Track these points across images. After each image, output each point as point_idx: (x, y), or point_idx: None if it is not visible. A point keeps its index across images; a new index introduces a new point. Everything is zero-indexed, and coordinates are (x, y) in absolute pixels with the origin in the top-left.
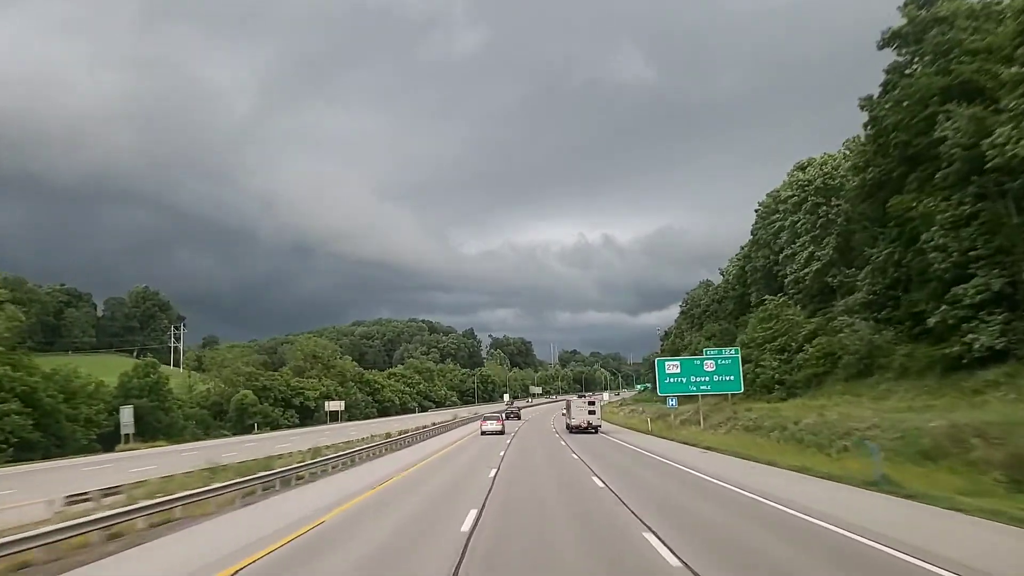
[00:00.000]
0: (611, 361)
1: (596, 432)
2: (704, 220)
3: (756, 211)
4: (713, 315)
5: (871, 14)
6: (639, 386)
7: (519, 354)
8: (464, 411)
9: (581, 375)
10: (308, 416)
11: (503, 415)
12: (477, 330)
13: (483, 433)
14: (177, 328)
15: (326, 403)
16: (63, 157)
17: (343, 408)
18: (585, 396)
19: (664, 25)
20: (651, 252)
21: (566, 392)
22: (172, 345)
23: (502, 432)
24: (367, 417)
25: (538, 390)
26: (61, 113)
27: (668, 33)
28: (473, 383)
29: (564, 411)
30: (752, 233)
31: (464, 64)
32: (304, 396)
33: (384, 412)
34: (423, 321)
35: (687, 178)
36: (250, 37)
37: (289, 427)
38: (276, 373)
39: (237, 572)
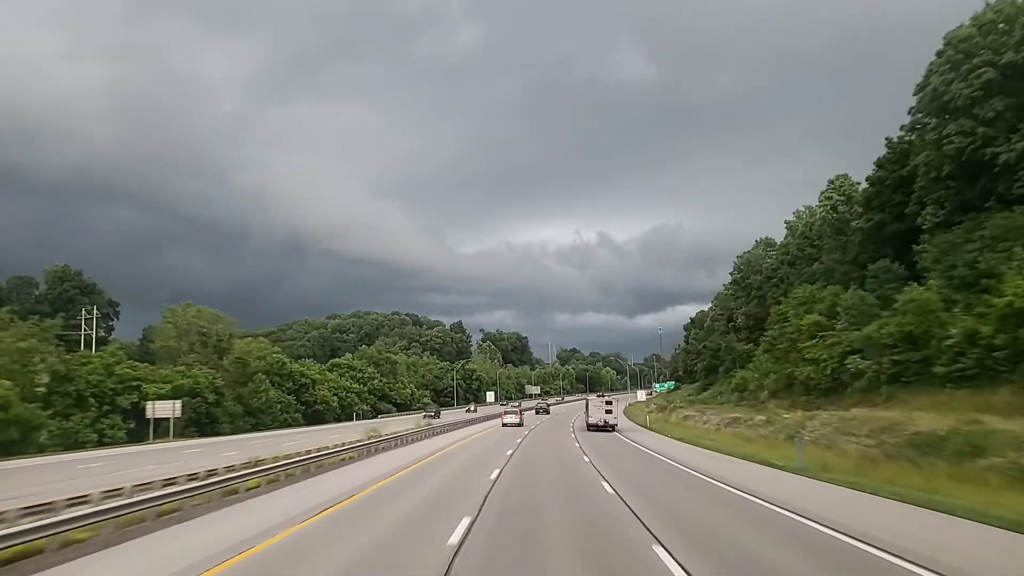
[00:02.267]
0: (614, 361)
1: (613, 431)
2: (703, 221)
3: (939, 54)
4: (784, 280)
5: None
6: (660, 385)
7: (514, 351)
8: (407, 420)
9: (585, 373)
10: (157, 425)
11: (520, 411)
12: (472, 332)
13: (504, 425)
14: (105, 316)
15: (148, 406)
16: (47, 150)
17: (178, 414)
18: (603, 396)
19: (664, 22)
20: (649, 253)
21: (568, 392)
22: (84, 334)
23: (520, 424)
24: (286, 425)
25: (535, 389)
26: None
27: (668, 30)
28: (452, 379)
29: (584, 411)
30: (934, 96)
31: (461, 61)
32: (140, 393)
33: (317, 418)
34: (407, 314)
35: (686, 178)
36: (242, 31)
37: (109, 444)
38: (94, 355)
39: None
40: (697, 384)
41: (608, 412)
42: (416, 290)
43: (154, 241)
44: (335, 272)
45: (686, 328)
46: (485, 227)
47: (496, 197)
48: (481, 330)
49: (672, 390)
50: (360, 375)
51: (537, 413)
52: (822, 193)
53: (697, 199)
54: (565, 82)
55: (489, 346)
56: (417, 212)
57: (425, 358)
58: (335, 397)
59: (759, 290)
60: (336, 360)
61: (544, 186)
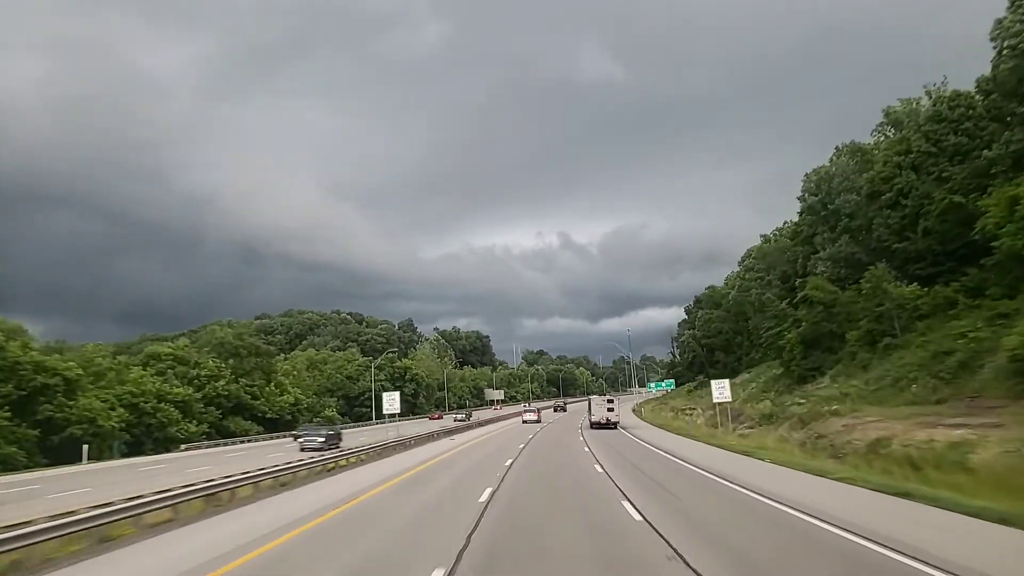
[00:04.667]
0: (585, 362)
1: (615, 428)
2: (669, 222)
3: None
4: (907, 193)
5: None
6: (656, 385)
7: (473, 351)
8: None
9: (558, 374)
10: None
11: (538, 409)
12: (427, 333)
13: (524, 422)
14: None
15: None
16: None
17: None
18: (605, 395)
19: (632, 22)
20: (613, 256)
21: (537, 397)
22: None
23: (538, 421)
24: None
25: (498, 394)
26: None
27: (636, 30)
28: (371, 381)
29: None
30: None
31: (426, 60)
32: None
33: (70, 454)
34: (349, 313)
35: (652, 179)
36: (194, 25)
37: None
38: None
39: None
40: (759, 373)
41: (610, 410)
42: (379, 297)
43: (99, 248)
44: (293, 279)
45: (689, 312)
46: (448, 231)
47: (459, 199)
48: (435, 329)
49: (693, 388)
50: (195, 374)
51: (555, 411)
52: (996, 28)
53: (663, 200)
54: (531, 82)
55: (438, 340)
56: (378, 215)
57: (345, 353)
58: (121, 413)
59: (851, 218)
60: (155, 348)
61: (509, 188)
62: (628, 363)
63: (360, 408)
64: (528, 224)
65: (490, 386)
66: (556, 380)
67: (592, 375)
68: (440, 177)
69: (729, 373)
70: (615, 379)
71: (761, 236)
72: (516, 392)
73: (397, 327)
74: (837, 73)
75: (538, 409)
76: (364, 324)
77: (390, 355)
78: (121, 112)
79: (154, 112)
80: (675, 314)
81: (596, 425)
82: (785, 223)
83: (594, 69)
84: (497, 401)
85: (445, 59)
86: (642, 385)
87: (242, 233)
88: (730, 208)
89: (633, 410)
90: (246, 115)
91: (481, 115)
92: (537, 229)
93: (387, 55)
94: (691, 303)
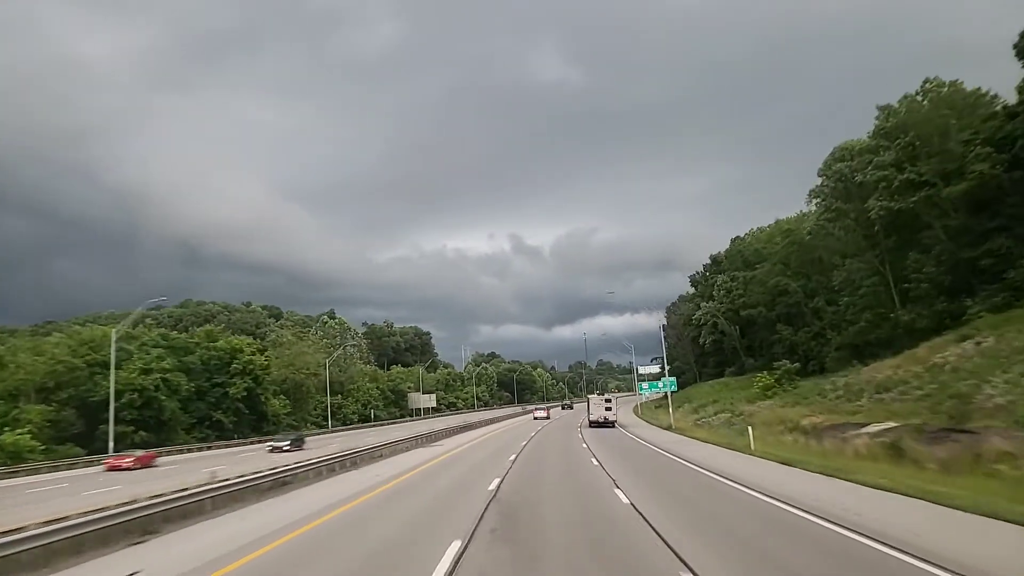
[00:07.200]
0: (542, 366)
1: (613, 426)
2: (623, 228)
3: None
4: None
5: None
6: (651, 386)
7: (410, 350)
8: None
9: (511, 375)
10: None
11: (548, 408)
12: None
13: (535, 419)
14: None
15: None
16: None
17: None
18: (603, 395)
19: (589, 26)
20: (566, 262)
21: (486, 405)
22: None
23: (547, 418)
24: None
25: (429, 400)
26: None
27: (593, 36)
28: (135, 375)
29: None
30: None
31: (380, 60)
32: None
33: None
34: (263, 306)
35: (608, 185)
36: (133, 10)
37: None
38: None
39: None
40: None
41: (608, 410)
42: (328, 302)
43: (14, 245)
44: (236, 281)
45: (696, 282)
46: (399, 233)
47: (411, 201)
48: (364, 323)
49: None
50: None
51: (563, 409)
52: None
53: (615, 205)
54: (486, 85)
55: (341, 324)
56: (328, 216)
57: (93, 327)
58: None
59: None
60: None
61: (461, 190)
62: (585, 368)
63: (115, 424)
64: (480, 227)
65: (418, 389)
66: (509, 383)
67: (552, 378)
68: (392, 178)
69: (801, 359)
70: (575, 383)
71: (879, 108)
72: (456, 398)
73: (316, 318)
74: (794, 81)
75: (547, 407)
76: (274, 316)
77: (202, 330)
78: (46, 99)
79: (84, 101)
80: (628, 320)
81: (595, 424)
82: (928, 80)
83: (550, 73)
84: (427, 409)
85: (399, 60)
86: (606, 390)
87: (179, 232)
88: (684, 215)
89: (678, 428)
90: (188, 110)
91: (435, 117)
92: (489, 232)
93: (340, 54)
94: (698, 272)
